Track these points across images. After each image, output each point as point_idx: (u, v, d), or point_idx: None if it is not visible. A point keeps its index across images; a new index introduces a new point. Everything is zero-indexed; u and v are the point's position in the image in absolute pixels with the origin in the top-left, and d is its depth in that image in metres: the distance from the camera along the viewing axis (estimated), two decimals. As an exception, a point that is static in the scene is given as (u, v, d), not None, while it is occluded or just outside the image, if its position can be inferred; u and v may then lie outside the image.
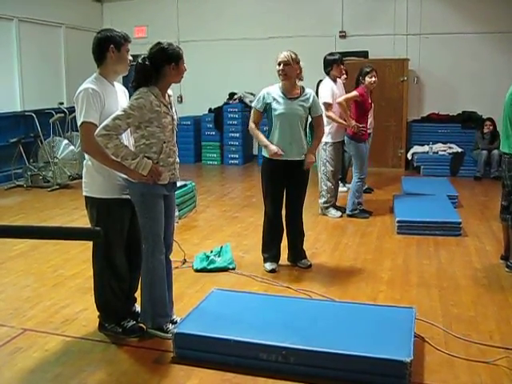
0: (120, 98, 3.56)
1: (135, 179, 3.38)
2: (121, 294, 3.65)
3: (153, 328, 3.62)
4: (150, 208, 3.45)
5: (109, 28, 3.54)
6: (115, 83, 3.58)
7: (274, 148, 4.66)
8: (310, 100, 4.76)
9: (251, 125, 4.86)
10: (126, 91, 3.69)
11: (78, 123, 3.35)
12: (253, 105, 4.93)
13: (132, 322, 3.68)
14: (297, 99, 4.72)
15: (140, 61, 3.38)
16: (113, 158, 3.30)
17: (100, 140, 3.23)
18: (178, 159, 3.63)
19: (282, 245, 5.03)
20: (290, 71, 4.64)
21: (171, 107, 3.51)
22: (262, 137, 4.80)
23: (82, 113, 3.31)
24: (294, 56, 4.66)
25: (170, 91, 3.55)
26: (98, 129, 3.24)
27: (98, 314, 3.74)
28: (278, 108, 4.69)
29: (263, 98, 4.77)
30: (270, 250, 4.97)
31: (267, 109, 4.76)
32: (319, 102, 5.05)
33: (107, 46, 3.39)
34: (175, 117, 3.55)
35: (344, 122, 6.55)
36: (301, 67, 4.70)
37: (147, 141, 3.37)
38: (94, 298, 3.71)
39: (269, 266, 4.91)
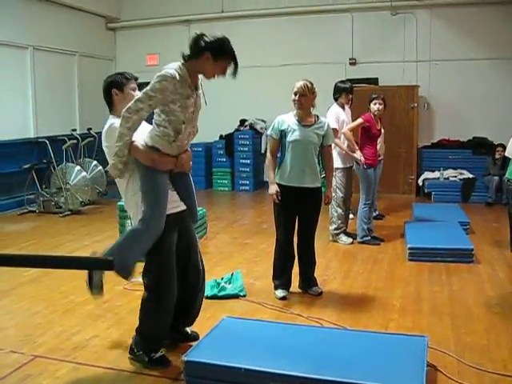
0: None
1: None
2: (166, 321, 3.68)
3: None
4: (154, 180, 3.48)
5: (115, 73, 3.78)
6: None
7: (273, 191, 4.80)
8: (325, 128, 4.81)
9: (268, 156, 4.93)
10: None
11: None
12: (268, 133, 4.98)
13: (160, 353, 3.65)
14: (311, 126, 4.76)
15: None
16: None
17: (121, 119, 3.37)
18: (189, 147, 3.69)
19: (292, 272, 5.01)
20: (305, 101, 4.70)
21: (197, 89, 3.58)
22: (271, 174, 4.87)
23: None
24: (310, 86, 4.71)
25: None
26: (123, 110, 3.35)
27: (133, 335, 3.71)
28: (293, 134, 4.73)
29: (278, 124, 4.81)
30: (281, 277, 4.95)
31: (282, 135, 4.80)
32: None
33: (110, 91, 3.65)
34: (198, 102, 3.60)
35: (350, 153, 6.58)
36: (315, 95, 4.76)
37: (167, 117, 3.41)
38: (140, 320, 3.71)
39: (280, 293, 4.89)
